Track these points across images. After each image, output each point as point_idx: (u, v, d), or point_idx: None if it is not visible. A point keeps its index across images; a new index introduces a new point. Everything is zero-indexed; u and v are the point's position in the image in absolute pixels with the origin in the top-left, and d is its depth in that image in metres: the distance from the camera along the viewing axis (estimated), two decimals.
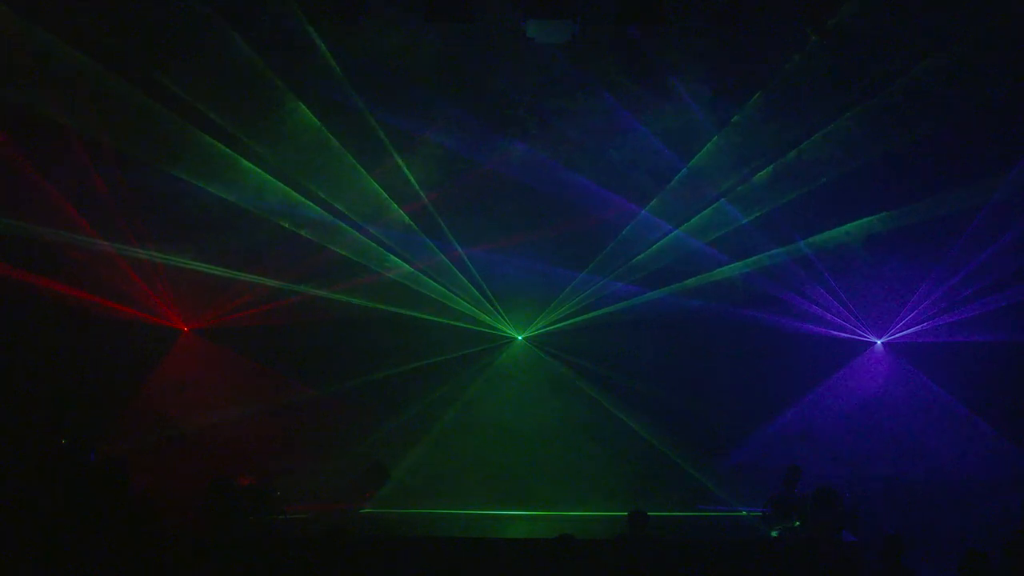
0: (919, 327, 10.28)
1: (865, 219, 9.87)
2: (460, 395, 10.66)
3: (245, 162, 9.54)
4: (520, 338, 10.85)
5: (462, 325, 10.64)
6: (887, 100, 9.08)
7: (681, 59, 9.05)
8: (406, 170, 9.91)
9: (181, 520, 8.16)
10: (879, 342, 10.52)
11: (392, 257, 10.31)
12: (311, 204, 9.92)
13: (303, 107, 9.36)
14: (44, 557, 6.77)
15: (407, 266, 10.38)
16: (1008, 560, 6.61)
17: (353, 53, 8.99)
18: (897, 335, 10.41)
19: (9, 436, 9.10)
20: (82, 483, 7.81)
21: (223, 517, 8.57)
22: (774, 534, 8.72)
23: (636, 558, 7.24)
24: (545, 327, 10.75)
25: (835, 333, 10.45)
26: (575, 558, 6.62)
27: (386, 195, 10.00)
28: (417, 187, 10.04)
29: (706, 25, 8.43)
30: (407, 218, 10.15)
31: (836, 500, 8.46)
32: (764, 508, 9.13)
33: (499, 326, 10.77)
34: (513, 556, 8.18)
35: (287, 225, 9.95)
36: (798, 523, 8.65)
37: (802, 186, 9.77)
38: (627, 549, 7.31)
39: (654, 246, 10.28)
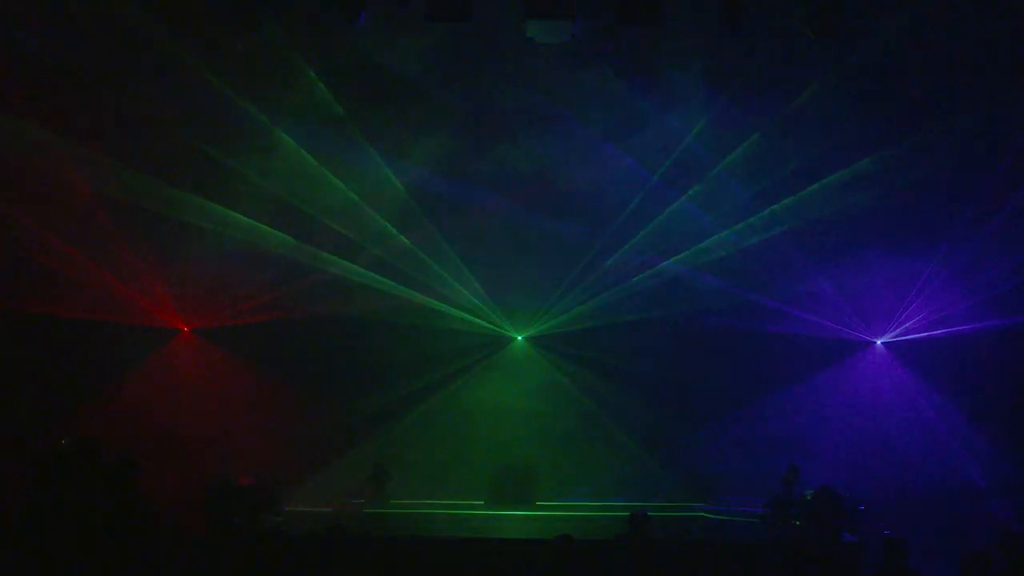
0: (918, 321, 10.28)
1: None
2: (460, 394, 10.67)
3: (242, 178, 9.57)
4: (520, 338, 10.86)
5: (462, 322, 10.65)
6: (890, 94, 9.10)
7: (680, 59, 9.05)
8: (396, 180, 9.93)
9: (181, 520, 8.15)
10: (879, 342, 10.52)
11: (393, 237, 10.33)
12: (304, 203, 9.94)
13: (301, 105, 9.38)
14: (44, 558, 6.76)
15: (406, 262, 10.41)
16: (1004, 558, 6.63)
17: (350, 54, 8.99)
18: (897, 334, 10.42)
19: (9, 436, 9.09)
20: (84, 483, 7.79)
21: (223, 517, 8.56)
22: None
23: (636, 558, 7.24)
24: (544, 327, 10.76)
25: (835, 332, 10.46)
26: (575, 558, 6.61)
27: (386, 190, 10.02)
28: (416, 186, 10.07)
29: (705, 25, 8.42)
30: (407, 202, 10.18)
31: (836, 500, 8.46)
32: (764, 508, 9.12)
33: (499, 326, 10.78)
34: (513, 556, 8.18)
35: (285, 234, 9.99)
36: (798, 523, 8.64)
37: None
38: (627, 549, 7.30)
39: (653, 220, 10.28)
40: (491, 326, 10.78)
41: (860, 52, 8.78)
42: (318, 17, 8.50)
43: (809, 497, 8.61)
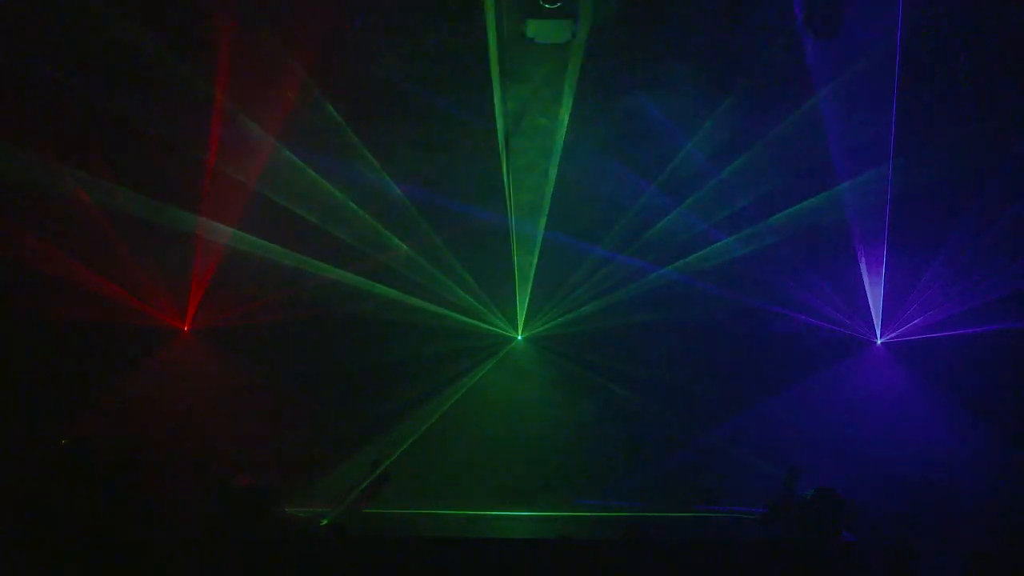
0: (918, 320, 10.26)
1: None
2: (459, 395, 10.66)
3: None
4: (519, 338, 10.86)
5: (460, 320, 10.66)
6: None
7: (681, 59, 9.04)
8: (394, 184, 9.93)
9: (181, 520, 8.15)
10: (879, 342, 10.52)
11: (393, 242, 10.31)
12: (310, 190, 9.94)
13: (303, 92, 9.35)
14: (44, 557, 6.78)
15: (407, 259, 10.40)
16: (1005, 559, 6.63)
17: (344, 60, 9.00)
18: (897, 334, 10.41)
19: (9, 436, 9.10)
20: (84, 483, 7.81)
21: (223, 517, 8.57)
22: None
23: (636, 559, 7.25)
24: (544, 327, 10.77)
25: (835, 332, 10.45)
26: (575, 558, 6.63)
27: (384, 190, 10.02)
28: (415, 181, 10.08)
29: (707, 25, 8.42)
30: (406, 208, 10.17)
31: (836, 500, 8.47)
32: (764, 508, 9.12)
33: (498, 326, 10.78)
34: (513, 556, 8.19)
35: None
36: (797, 523, 8.65)
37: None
38: (627, 550, 7.31)
39: (654, 228, 10.28)
40: (491, 327, 10.77)
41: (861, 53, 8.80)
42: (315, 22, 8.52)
43: (809, 497, 8.62)
